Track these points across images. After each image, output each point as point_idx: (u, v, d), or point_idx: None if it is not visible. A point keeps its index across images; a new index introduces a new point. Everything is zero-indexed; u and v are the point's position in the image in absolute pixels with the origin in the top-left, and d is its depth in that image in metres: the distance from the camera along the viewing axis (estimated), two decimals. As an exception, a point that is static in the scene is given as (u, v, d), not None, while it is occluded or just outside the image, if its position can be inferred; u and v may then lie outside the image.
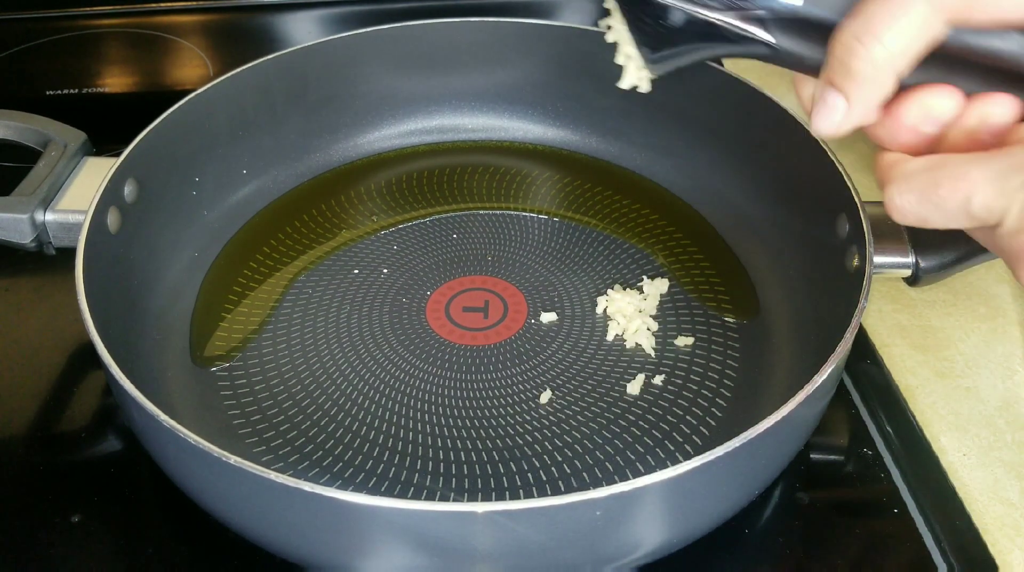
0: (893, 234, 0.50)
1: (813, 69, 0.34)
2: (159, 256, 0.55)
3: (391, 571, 0.39)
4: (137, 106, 0.77)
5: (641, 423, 0.48)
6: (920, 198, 0.32)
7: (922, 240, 0.50)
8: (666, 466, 0.36)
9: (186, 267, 0.57)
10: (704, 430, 0.48)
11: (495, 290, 0.56)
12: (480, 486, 0.45)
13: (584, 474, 0.46)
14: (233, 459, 0.36)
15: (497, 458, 0.46)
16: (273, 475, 0.35)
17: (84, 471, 0.48)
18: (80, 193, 0.52)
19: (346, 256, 0.59)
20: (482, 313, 0.55)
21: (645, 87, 0.38)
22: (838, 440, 0.49)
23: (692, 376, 0.51)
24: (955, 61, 0.33)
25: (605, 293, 0.55)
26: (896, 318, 0.56)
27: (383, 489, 0.45)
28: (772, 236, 0.57)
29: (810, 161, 0.52)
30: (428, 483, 0.45)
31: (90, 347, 0.41)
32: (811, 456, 0.49)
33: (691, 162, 0.63)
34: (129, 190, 0.52)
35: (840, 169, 0.50)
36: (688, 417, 0.48)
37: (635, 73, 0.38)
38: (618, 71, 0.40)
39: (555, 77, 0.66)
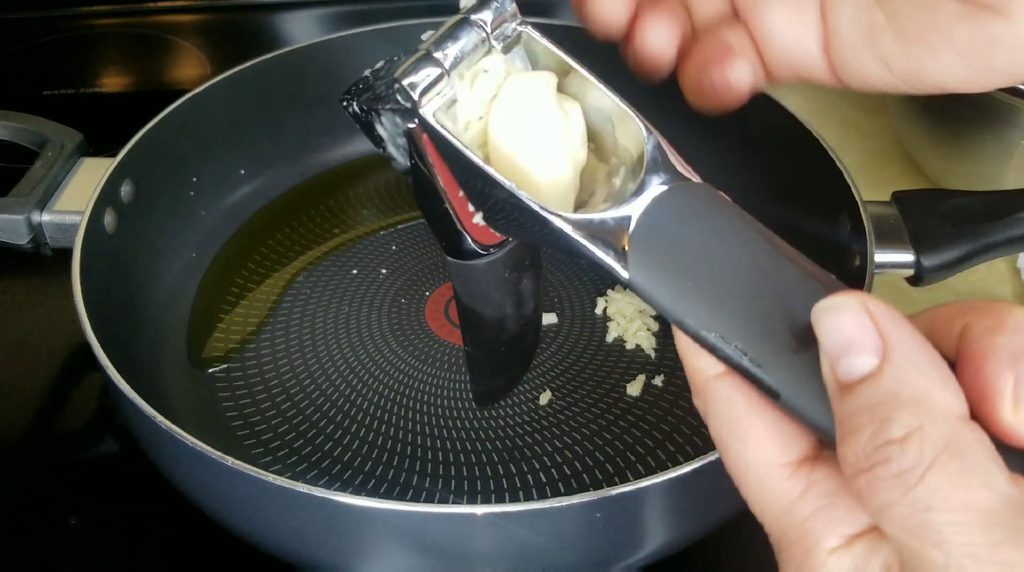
0: (895, 233, 0.49)
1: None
2: (156, 257, 0.55)
3: (390, 574, 0.38)
4: (134, 106, 0.76)
5: (642, 424, 0.48)
6: None
7: (924, 239, 0.49)
8: (667, 468, 0.36)
9: (184, 268, 0.56)
10: (705, 431, 0.47)
11: (494, 290, 0.56)
12: (479, 488, 0.45)
13: (584, 476, 0.45)
14: (231, 461, 0.36)
15: (496, 460, 0.46)
16: (271, 477, 0.35)
17: (82, 473, 0.48)
18: (77, 194, 0.52)
19: (345, 256, 0.58)
20: (481, 314, 0.54)
21: None
22: (839, 441, 0.49)
23: (692, 377, 0.50)
24: None
25: (605, 293, 0.55)
26: (897, 318, 0.56)
27: (382, 491, 0.45)
28: (772, 236, 0.57)
29: (811, 160, 0.52)
30: (427, 485, 0.45)
31: (87, 348, 0.41)
32: (812, 457, 0.48)
33: (691, 162, 0.63)
34: (126, 190, 0.52)
35: (841, 168, 0.50)
36: (689, 418, 0.48)
37: None
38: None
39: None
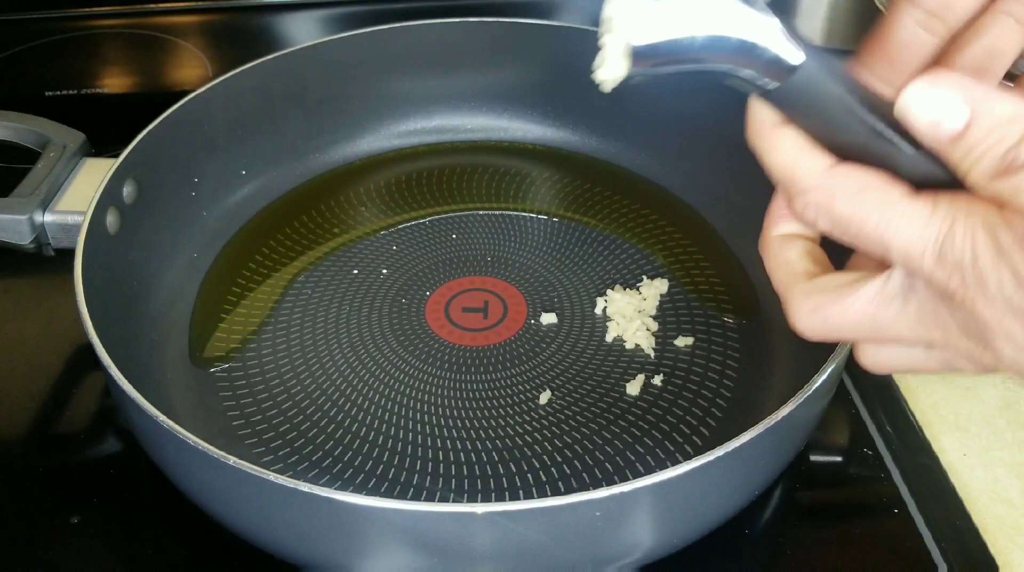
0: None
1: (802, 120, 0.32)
2: (158, 257, 0.55)
3: (391, 572, 0.38)
4: (136, 107, 0.77)
5: (641, 423, 0.48)
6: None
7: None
8: (666, 467, 0.36)
9: (185, 268, 0.57)
10: (704, 430, 0.48)
11: (495, 290, 0.56)
12: (480, 487, 0.45)
13: (584, 475, 0.46)
14: (232, 460, 0.36)
15: (497, 459, 0.46)
16: (272, 476, 0.35)
17: (83, 472, 0.48)
18: (79, 194, 0.52)
19: (345, 257, 0.59)
20: (482, 313, 0.55)
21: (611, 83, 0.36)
22: (838, 440, 0.49)
23: (692, 376, 0.51)
24: None
25: (605, 293, 0.55)
26: (896, 318, 0.56)
27: (383, 490, 0.45)
28: (772, 236, 0.57)
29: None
30: (427, 484, 0.45)
31: (89, 348, 0.41)
32: (811, 456, 0.48)
33: (691, 162, 0.63)
34: (128, 191, 0.52)
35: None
36: (688, 417, 0.48)
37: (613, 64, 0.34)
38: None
39: (555, 77, 0.66)
